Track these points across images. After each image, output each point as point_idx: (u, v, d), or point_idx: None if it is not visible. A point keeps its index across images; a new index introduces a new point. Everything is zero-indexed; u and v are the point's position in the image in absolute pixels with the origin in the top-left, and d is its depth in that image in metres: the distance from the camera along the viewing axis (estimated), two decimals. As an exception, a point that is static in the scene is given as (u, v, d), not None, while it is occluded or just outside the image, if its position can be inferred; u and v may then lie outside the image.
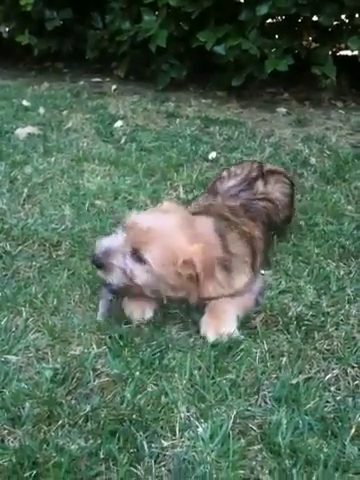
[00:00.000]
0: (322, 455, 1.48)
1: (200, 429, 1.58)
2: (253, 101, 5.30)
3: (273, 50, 4.86)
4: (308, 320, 2.03)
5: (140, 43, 5.30)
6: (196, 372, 1.78)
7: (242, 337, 1.92)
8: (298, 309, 2.07)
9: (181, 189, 3.20)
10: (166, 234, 1.87)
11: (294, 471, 1.44)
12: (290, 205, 2.67)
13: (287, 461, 1.48)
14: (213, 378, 1.78)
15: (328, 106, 5.17)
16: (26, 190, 3.12)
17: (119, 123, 4.47)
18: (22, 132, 4.05)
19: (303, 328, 1.99)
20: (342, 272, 2.35)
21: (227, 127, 4.44)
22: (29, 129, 4.10)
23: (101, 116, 4.67)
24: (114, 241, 1.92)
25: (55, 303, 2.13)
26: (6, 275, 2.33)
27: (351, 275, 2.33)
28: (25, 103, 4.96)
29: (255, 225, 2.29)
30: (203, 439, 1.55)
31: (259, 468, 1.48)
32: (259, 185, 2.55)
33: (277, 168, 2.89)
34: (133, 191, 3.16)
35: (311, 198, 3.09)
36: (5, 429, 1.57)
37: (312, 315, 2.05)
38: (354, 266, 2.40)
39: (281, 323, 2.02)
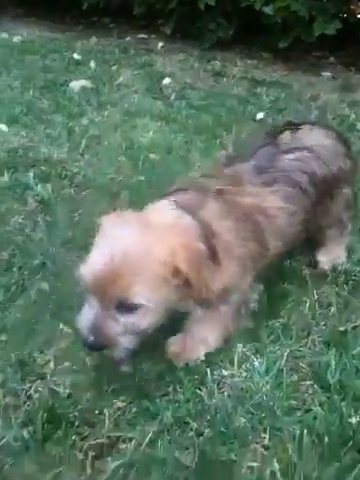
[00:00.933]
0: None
1: (256, 363, 1.75)
2: (299, 64, 5.30)
3: (321, 13, 4.84)
4: (355, 275, 2.16)
5: (188, 0, 5.31)
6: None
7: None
8: (347, 265, 2.20)
9: (231, 148, 3.30)
10: (136, 259, 1.44)
11: (343, 404, 1.60)
12: (346, 154, 2.03)
13: (336, 396, 1.64)
14: (266, 321, 1.93)
15: (374, 72, 5.16)
16: (84, 141, 3.27)
17: (167, 80, 4.55)
18: (76, 85, 4.18)
19: (351, 282, 2.13)
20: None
21: (273, 89, 4.49)
22: (82, 82, 4.22)
23: (149, 73, 4.76)
24: (90, 312, 1.49)
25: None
26: (72, 217, 2.49)
27: None
28: (76, 56, 5.06)
29: (273, 191, 1.77)
30: (259, 372, 1.72)
31: (310, 400, 1.65)
32: (285, 136, 1.92)
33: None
34: (184, 147, 3.29)
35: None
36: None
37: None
38: None
39: (330, 277, 2.16)
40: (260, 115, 3.89)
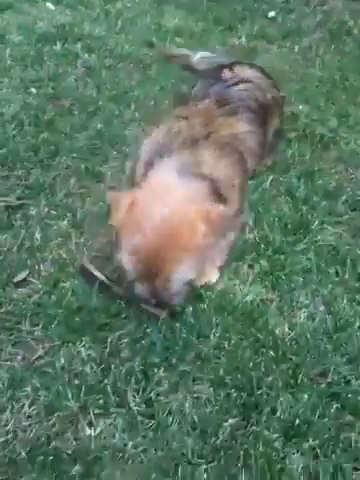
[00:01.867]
0: None
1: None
2: (312, -31, 5.71)
3: None
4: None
5: None
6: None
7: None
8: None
9: (244, 38, 3.93)
10: (174, 231, 1.64)
11: (304, 207, 2.40)
12: (273, 85, 2.45)
13: (300, 204, 2.42)
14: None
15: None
16: (120, 22, 3.87)
17: (191, -26, 5.01)
18: (110, -29, 4.64)
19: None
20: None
21: (286, -9, 4.98)
22: (116, -31, 4.68)
23: (174, -35, 5.19)
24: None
25: (153, 103, 3.01)
26: (115, 81, 3.18)
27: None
28: None
29: (238, 118, 2.07)
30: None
31: (282, 203, 2.43)
32: (225, 72, 2.26)
33: None
34: (205, 34, 3.91)
35: (347, 60, 3.83)
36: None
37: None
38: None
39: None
40: (272, 13, 4.44)
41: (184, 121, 1.97)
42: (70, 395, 1.62)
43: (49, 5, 3.98)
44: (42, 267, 2.01)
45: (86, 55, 3.40)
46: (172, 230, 1.63)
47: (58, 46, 3.44)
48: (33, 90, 2.97)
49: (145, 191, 1.75)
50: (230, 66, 2.32)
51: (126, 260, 1.69)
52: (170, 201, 1.69)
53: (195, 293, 1.92)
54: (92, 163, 2.52)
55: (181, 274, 1.69)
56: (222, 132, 1.96)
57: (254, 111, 2.17)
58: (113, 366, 1.71)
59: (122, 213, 1.68)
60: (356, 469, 1.50)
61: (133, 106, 2.96)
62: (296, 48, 3.87)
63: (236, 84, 2.19)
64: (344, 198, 2.48)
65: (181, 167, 1.77)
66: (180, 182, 1.74)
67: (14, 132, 2.62)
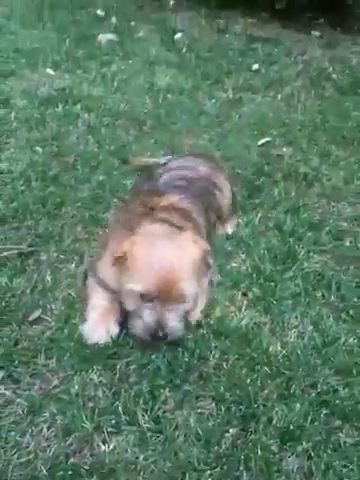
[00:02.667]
0: None
1: (241, 220, 2.75)
2: (292, 23, 6.15)
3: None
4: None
5: None
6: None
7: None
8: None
9: (230, 91, 4.26)
10: (177, 264, 1.91)
11: (291, 239, 2.61)
12: (209, 160, 2.76)
13: (288, 236, 2.64)
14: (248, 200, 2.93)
15: (356, 33, 6.02)
16: (115, 83, 4.20)
17: (179, 35, 5.44)
18: (103, 38, 5.07)
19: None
20: (341, 152, 3.44)
21: (268, 44, 5.40)
22: (109, 36, 5.11)
23: (163, 28, 5.63)
24: (152, 312, 1.93)
25: (149, 155, 3.27)
26: (113, 137, 3.46)
27: (346, 155, 3.43)
28: (99, 13, 5.90)
29: (167, 194, 2.30)
30: (242, 226, 2.73)
31: (271, 236, 2.65)
32: (158, 170, 2.64)
33: None
34: (194, 90, 4.24)
35: (327, 104, 4.14)
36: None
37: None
38: (351, 150, 3.49)
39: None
40: (255, 66, 4.82)
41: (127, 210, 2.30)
42: (85, 417, 1.78)
43: (49, 71, 4.33)
44: (54, 306, 2.20)
45: (86, 115, 3.69)
46: (177, 258, 1.91)
47: (59, 108, 3.74)
48: (38, 149, 3.24)
49: (142, 235, 2.00)
50: (164, 163, 2.69)
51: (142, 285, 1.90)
52: (170, 239, 1.98)
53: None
54: (96, 211, 2.75)
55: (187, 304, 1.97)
56: (163, 203, 2.21)
57: (182, 185, 2.41)
58: (123, 390, 1.88)
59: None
60: (345, 466, 1.65)
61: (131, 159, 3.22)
62: (279, 96, 4.20)
63: (162, 175, 2.50)
64: (327, 229, 2.71)
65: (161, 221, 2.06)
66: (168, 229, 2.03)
67: (23, 187, 2.86)
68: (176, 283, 1.87)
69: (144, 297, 1.91)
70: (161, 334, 1.90)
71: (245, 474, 1.63)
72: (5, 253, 2.40)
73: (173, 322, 1.92)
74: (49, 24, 5.47)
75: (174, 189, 2.35)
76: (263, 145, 3.51)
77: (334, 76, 4.71)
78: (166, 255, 1.90)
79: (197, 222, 2.27)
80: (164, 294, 1.88)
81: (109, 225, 2.54)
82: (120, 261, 1.96)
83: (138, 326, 1.96)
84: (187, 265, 1.92)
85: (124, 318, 2.06)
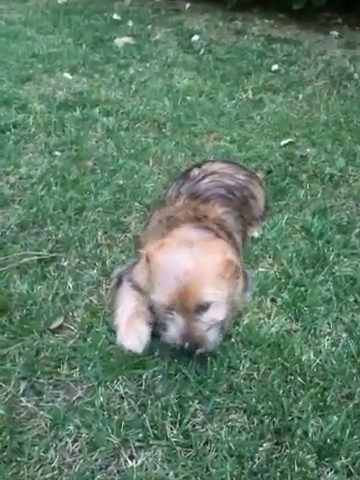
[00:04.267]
0: None
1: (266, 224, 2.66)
2: (310, 24, 6.05)
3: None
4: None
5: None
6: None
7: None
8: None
9: (250, 92, 4.17)
10: (198, 271, 1.82)
11: (319, 242, 2.52)
12: (242, 169, 2.70)
13: (316, 239, 2.55)
14: (274, 201, 2.84)
15: (376, 32, 5.91)
16: (133, 86, 4.14)
17: (196, 37, 5.37)
18: (120, 41, 5.02)
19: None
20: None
21: (287, 45, 5.30)
22: (125, 39, 5.06)
23: (180, 31, 5.57)
24: (177, 324, 1.84)
25: (169, 158, 3.20)
26: (133, 141, 3.40)
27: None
28: (115, 17, 5.86)
29: (212, 204, 2.26)
30: (267, 229, 2.64)
31: (299, 239, 2.56)
32: (194, 171, 2.51)
33: None
34: (213, 91, 4.16)
35: (350, 103, 4.03)
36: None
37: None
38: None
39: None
40: (275, 66, 4.72)
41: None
42: (111, 431, 1.71)
43: (66, 75, 4.28)
44: (76, 313, 2.13)
45: (104, 119, 3.63)
46: (196, 264, 1.82)
47: (77, 112, 3.69)
48: (57, 153, 3.19)
49: (172, 240, 1.95)
50: (199, 164, 2.61)
51: (162, 296, 1.84)
52: (196, 247, 1.88)
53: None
54: (117, 216, 2.68)
55: (212, 312, 1.85)
56: (210, 214, 2.19)
57: (225, 195, 2.38)
58: (150, 401, 1.80)
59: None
60: (389, 483, 1.55)
61: (151, 161, 3.15)
62: (300, 96, 4.10)
63: (203, 178, 2.42)
64: (357, 231, 2.60)
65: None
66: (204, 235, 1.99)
67: (42, 192, 2.81)
68: (195, 291, 1.79)
69: (167, 308, 1.85)
70: (187, 346, 1.82)
71: (282, 492, 1.53)
72: (25, 259, 2.34)
73: (200, 333, 1.82)
74: (65, 29, 5.45)
75: (218, 198, 2.30)
76: (286, 146, 3.41)
77: (356, 75, 4.59)
78: (184, 261, 1.82)
79: (235, 240, 2.24)
80: (184, 304, 1.80)
81: (145, 228, 2.43)
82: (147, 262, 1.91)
83: (166, 337, 1.88)
84: (209, 271, 1.83)
85: (155, 324, 1.97)
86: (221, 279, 1.86)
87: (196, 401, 1.80)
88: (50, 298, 2.18)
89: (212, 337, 1.85)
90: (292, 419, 1.74)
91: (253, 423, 1.74)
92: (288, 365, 1.91)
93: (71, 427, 1.73)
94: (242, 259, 2.24)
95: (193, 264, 1.80)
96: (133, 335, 1.93)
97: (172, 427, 1.73)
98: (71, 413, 1.77)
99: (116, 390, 1.85)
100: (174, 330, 1.84)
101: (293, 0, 5.86)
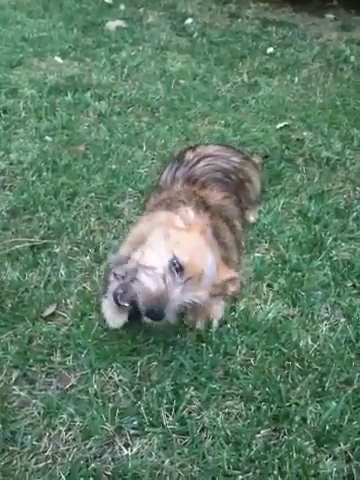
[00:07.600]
0: None
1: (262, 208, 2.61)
2: (305, 6, 5.96)
3: None
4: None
5: None
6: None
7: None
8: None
9: (245, 75, 4.10)
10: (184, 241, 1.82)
11: (316, 226, 2.47)
12: (237, 152, 2.64)
13: (312, 223, 2.51)
14: (270, 186, 2.79)
15: (372, 14, 5.83)
16: (126, 70, 4.06)
17: (189, 20, 5.28)
18: (112, 25, 4.92)
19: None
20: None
21: (282, 28, 5.22)
22: (117, 23, 4.96)
23: (173, 14, 5.47)
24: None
25: (163, 142, 3.15)
26: (125, 125, 3.34)
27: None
28: (107, 0, 5.75)
29: (210, 188, 2.25)
30: (263, 213, 2.59)
31: (295, 223, 2.52)
32: (188, 154, 2.45)
33: None
34: (208, 74, 4.09)
35: (347, 86, 3.97)
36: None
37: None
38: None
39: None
40: (270, 49, 4.65)
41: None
42: (105, 418, 1.67)
43: (57, 59, 4.20)
44: (69, 300, 2.09)
45: (96, 103, 3.55)
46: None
47: (69, 96, 3.62)
48: (48, 138, 3.12)
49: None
50: (193, 147, 2.54)
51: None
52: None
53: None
54: (110, 201, 2.62)
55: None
56: (210, 201, 2.16)
57: (222, 179, 2.34)
58: (145, 388, 1.77)
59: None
60: (389, 469, 1.52)
61: (144, 146, 3.09)
62: (296, 79, 4.04)
63: (198, 162, 2.37)
64: (355, 215, 2.56)
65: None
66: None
67: (33, 178, 2.75)
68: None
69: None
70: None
71: (280, 479, 1.50)
72: (17, 246, 2.29)
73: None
74: (56, 13, 5.34)
75: (214, 183, 2.27)
76: (282, 129, 3.36)
77: (352, 58, 4.53)
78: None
79: (236, 228, 2.22)
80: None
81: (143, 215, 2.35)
82: None
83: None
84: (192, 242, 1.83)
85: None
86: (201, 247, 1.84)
87: (192, 388, 1.77)
88: (42, 285, 2.13)
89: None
90: (290, 405, 1.70)
91: (250, 410, 1.70)
92: (285, 351, 1.88)
93: (65, 415, 1.70)
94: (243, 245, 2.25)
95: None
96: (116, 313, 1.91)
97: (168, 414, 1.70)
98: (64, 401, 1.74)
99: (110, 377, 1.81)
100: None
101: (288, -18, 5.77)
